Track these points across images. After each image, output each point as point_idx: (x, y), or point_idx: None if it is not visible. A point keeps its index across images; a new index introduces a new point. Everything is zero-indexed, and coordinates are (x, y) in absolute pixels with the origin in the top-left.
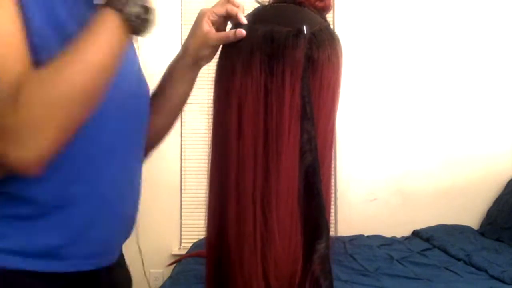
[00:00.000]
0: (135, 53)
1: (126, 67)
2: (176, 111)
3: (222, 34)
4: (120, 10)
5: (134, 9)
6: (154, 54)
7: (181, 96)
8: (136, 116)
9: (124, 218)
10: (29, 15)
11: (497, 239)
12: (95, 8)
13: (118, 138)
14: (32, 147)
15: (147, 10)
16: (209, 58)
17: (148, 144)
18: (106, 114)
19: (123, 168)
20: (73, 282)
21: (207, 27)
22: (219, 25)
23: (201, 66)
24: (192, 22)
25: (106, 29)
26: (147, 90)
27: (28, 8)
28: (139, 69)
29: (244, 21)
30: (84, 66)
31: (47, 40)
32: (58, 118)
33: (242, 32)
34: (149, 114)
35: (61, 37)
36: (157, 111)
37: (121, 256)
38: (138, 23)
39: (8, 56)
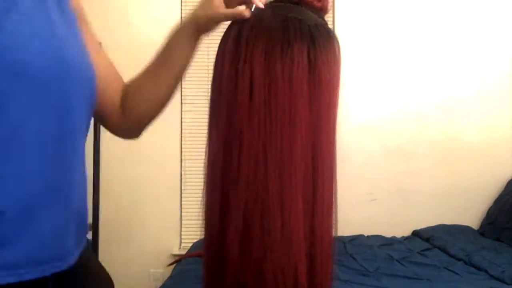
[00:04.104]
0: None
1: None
2: (173, 80)
3: (229, 11)
4: None
5: None
6: None
7: (179, 63)
8: (62, 99)
9: (61, 214)
10: None
11: (497, 239)
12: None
13: (39, 123)
14: None
15: None
16: (209, 31)
17: (147, 114)
18: (21, 97)
19: (52, 158)
20: None
21: (218, 1)
22: (228, 2)
23: (199, 38)
24: None
25: None
26: (78, 69)
27: None
28: (78, 50)
29: (261, 5)
30: None
31: None
32: None
33: (247, 14)
34: (84, 96)
35: None
36: (153, 79)
37: (86, 261)
38: None
39: None
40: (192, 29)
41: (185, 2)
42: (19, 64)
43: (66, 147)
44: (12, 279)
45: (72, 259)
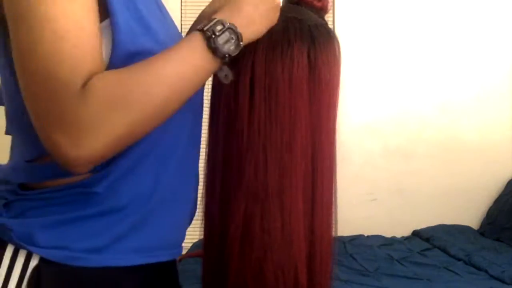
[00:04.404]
0: None
1: None
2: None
3: None
4: (209, 38)
5: (223, 38)
6: None
7: None
8: (196, 103)
9: (187, 208)
10: (113, 10)
11: (497, 239)
12: (163, 8)
13: (183, 124)
14: (87, 145)
15: (236, 38)
16: None
17: None
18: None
19: (186, 156)
20: (151, 273)
21: None
22: None
23: None
24: (192, 22)
25: (191, 50)
26: None
27: (112, 4)
28: None
29: None
30: (163, 80)
31: (133, 35)
32: (120, 123)
33: None
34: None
35: (146, 31)
36: None
37: None
38: (224, 51)
39: (80, 52)
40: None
41: (185, 2)
42: None
43: (195, 149)
44: (151, 260)
45: (182, 248)
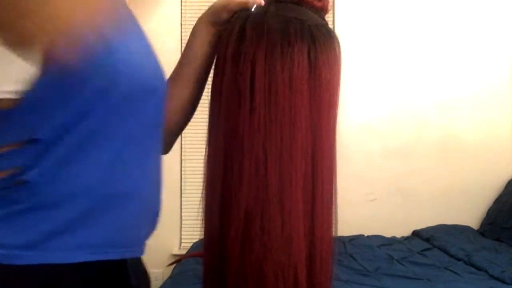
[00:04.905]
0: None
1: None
2: (194, 77)
3: None
4: None
5: None
6: None
7: (198, 59)
8: (156, 107)
9: (146, 209)
10: None
11: (497, 239)
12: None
13: (139, 129)
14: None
15: None
16: (222, 21)
17: (173, 122)
18: (130, 104)
19: (145, 161)
20: (102, 271)
21: None
22: None
23: (215, 28)
24: (192, 23)
25: None
26: (162, 74)
27: None
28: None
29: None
30: None
31: None
32: None
33: (262, 1)
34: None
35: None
36: (177, 82)
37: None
38: None
39: None
40: (208, 19)
41: (185, 2)
42: (151, 86)
43: (156, 149)
44: (99, 257)
45: (143, 249)
